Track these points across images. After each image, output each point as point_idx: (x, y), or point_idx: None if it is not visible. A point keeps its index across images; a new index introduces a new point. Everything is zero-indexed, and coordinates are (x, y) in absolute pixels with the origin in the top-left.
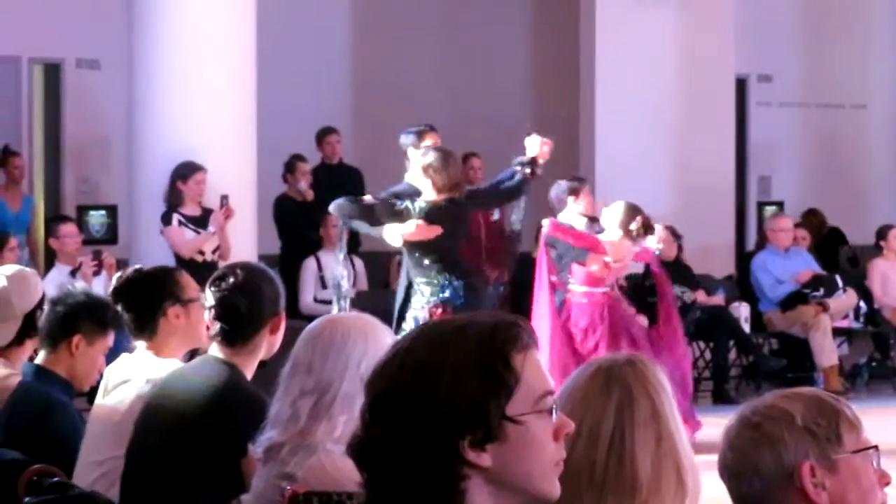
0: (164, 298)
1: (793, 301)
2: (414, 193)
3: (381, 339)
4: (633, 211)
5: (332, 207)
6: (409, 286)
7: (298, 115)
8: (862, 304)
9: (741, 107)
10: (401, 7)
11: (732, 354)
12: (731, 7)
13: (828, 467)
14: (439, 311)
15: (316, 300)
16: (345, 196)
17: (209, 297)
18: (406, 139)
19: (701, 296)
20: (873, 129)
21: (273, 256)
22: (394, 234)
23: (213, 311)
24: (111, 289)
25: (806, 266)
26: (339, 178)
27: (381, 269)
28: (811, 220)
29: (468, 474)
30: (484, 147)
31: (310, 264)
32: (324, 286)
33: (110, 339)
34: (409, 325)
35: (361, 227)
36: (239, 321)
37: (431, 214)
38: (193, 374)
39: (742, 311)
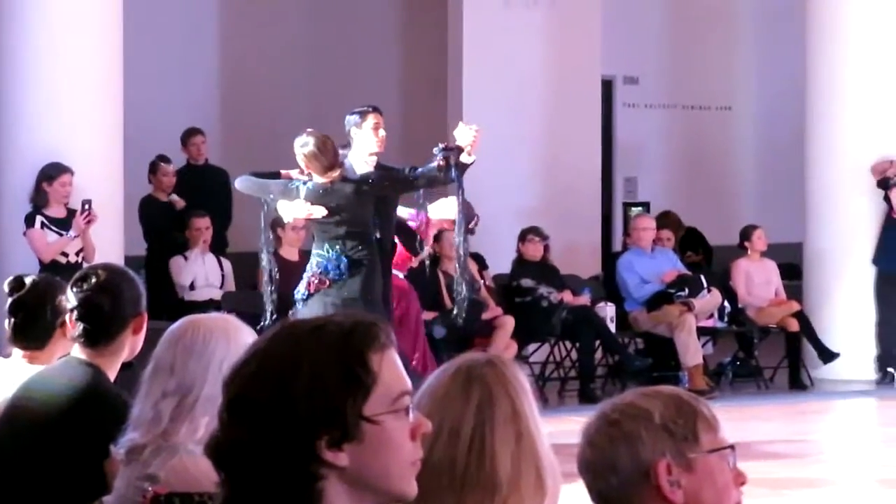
0: (63, 311)
1: (658, 301)
2: (350, 170)
3: (243, 340)
4: None
5: (237, 183)
6: None
7: (166, 114)
8: (726, 303)
9: (607, 108)
10: (269, 5)
11: (598, 354)
12: (598, 9)
13: (684, 466)
14: (316, 280)
15: (183, 302)
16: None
17: (71, 298)
18: (350, 119)
19: (567, 296)
20: (738, 130)
21: (140, 258)
22: (284, 212)
23: (75, 311)
24: (10, 299)
25: (671, 266)
26: (204, 179)
27: (249, 270)
28: (667, 220)
29: (325, 474)
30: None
31: (176, 263)
32: (192, 287)
33: None
34: (298, 293)
35: (268, 202)
36: (101, 321)
37: (313, 194)
38: (55, 375)
39: (608, 310)
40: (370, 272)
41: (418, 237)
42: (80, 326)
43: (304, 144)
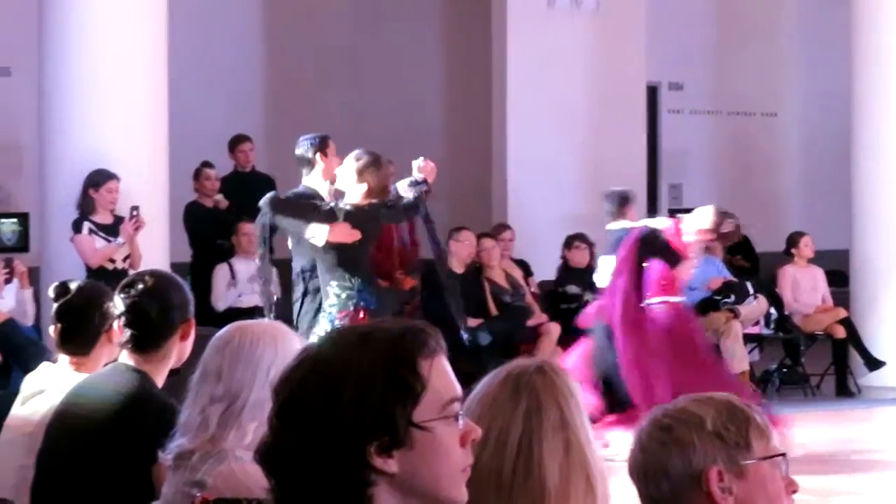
0: (109, 317)
1: (704, 308)
2: (313, 196)
3: (290, 346)
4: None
5: (262, 202)
6: (306, 293)
7: (210, 121)
8: (773, 310)
9: (652, 114)
10: (314, 11)
11: None
12: (643, 15)
13: (736, 473)
14: (361, 315)
15: (229, 308)
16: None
17: (118, 303)
18: (308, 146)
19: None
20: (783, 136)
21: (185, 264)
22: (319, 233)
23: (123, 318)
24: (56, 304)
25: (717, 273)
26: (251, 186)
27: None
28: None
29: (375, 480)
30: (396, 154)
31: (222, 270)
32: (235, 293)
33: None
34: (322, 329)
35: (288, 223)
36: (149, 327)
37: (355, 217)
38: (104, 381)
39: None
40: (389, 297)
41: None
42: (127, 332)
43: (359, 158)
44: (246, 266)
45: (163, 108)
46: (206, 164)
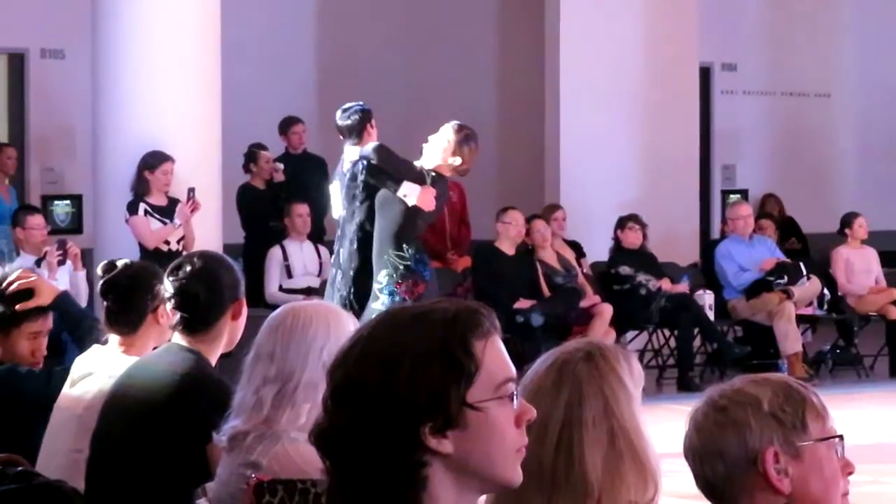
0: (157, 297)
1: (757, 289)
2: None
3: (343, 327)
4: None
5: (368, 149)
6: (363, 266)
7: (263, 103)
8: (826, 291)
9: (705, 95)
10: None
11: (697, 342)
12: None
13: (792, 454)
14: (417, 285)
15: (281, 289)
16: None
17: (168, 286)
18: (358, 118)
19: (665, 284)
20: (837, 117)
21: (238, 246)
22: (412, 192)
23: (172, 300)
24: (102, 280)
25: (770, 254)
26: (303, 168)
27: None
28: (769, 204)
29: (430, 461)
30: None
31: (275, 253)
32: (289, 275)
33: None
34: (381, 304)
35: (382, 176)
36: (199, 308)
37: (439, 186)
38: (158, 361)
39: (706, 298)
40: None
41: None
42: (177, 315)
43: (460, 130)
44: (299, 248)
45: (215, 90)
46: (259, 146)
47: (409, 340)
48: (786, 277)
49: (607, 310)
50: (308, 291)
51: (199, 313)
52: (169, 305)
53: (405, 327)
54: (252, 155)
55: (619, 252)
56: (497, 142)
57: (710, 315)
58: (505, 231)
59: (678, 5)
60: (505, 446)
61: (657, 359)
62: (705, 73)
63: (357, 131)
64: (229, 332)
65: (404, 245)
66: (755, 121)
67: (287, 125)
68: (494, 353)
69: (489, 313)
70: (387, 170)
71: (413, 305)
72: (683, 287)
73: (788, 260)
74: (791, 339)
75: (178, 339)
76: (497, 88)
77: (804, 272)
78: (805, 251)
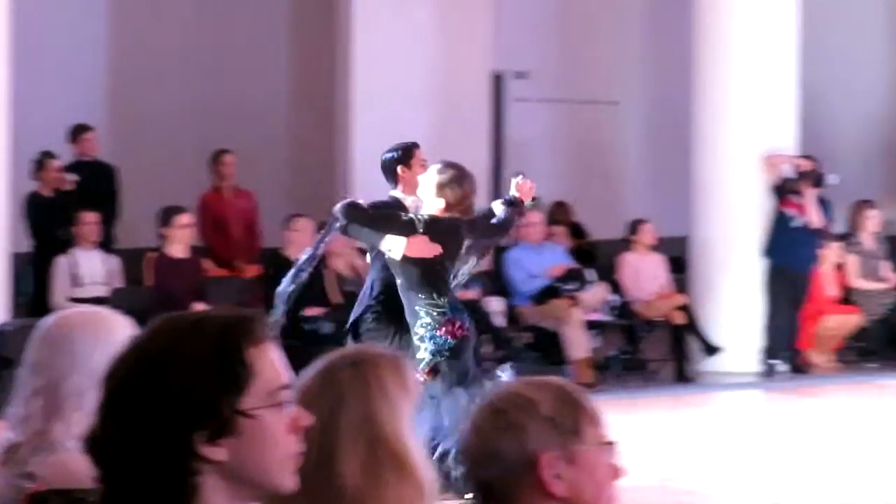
0: None
1: (545, 295)
2: (397, 207)
3: (112, 333)
4: None
5: (336, 209)
6: (370, 310)
7: (51, 110)
8: (613, 297)
9: (498, 103)
10: (157, 5)
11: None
12: (489, 4)
13: (567, 459)
14: (457, 326)
15: (72, 299)
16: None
17: None
18: (392, 158)
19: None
20: (626, 125)
21: (27, 255)
22: (396, 246)
23: None
24: None
25: (558, 260)
26: (94, 175)
27: (137, 267)
28: (559, 212)
29: (203, 469)
30: (239, 144)
31: (61, 262)
32: (78, 284)
33: None
34: (424, 354)
35: (361, 233)
36: None
37: (434, 230)
38: None
39: (496, 305)
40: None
41: None
42: None
43: (442, 172)
44: (87, 256)
45: (3, 97)
46: (48, 154)
47: (182, 348)
48: (573, 284)
49: None
50: (97, 301)
51: None
52: None
53: (179, 335)
54: (40, 163)
55: None
56: (288, 149)
57: (501, 321)
58: (295, 239)
59: (471, 14)
60: (279, 453)
61: None
62: (498, 81)
63: (391, 173)
64: None
65: (434, 294)
66: (546, 128)
67: (77, 132)
68: (268, 361)
69: (264, 321)
70: (364, 226)
71: (189, 312)
72: (474, 294)
73: (577, 266)
74: (578, 345)
75: None
76: (289, 96)
77: (592, 278)
78: (593, 257)
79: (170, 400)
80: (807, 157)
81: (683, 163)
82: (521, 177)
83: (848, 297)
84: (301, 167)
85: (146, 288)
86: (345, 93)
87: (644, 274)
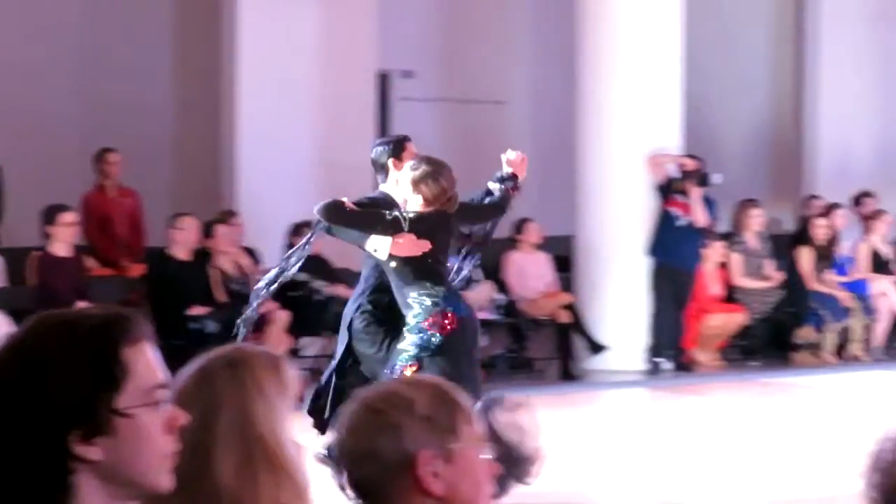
0: None
1: None
2: (386, 204)
3: None
4: None
5: (317, 209)
6: (360, 308)
7: None
8: (499, 296)
9: (384, 103)
10: (41, 3)
11: None
12: (374, 4)
13: (444, 457)
14: (448, 319)
15: None
16: None
17: None
18: (382, 150)
19: (341, 289)
20: (512, 124)
21: None
22: (381, 246)
23: None
24: None
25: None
26: None
27: (19, 266)
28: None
29: (78, 468)
30: (124, 143)
31: None
32: None
33: None
34: (409, 343)
35: (345, 233)
36: None
37: (420, 226)
38: None
39: None
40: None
41: None
42: None
43: (415, 168)
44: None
45: None
46: None
47: (57, 347)
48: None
49: (283, 316)
50: None
51: None
52: None
53: (54, 333)
54: None
55: None
56: (173, 148)
57: None
58: (179, 238)
59: (356, 14)
60: (154, 452)
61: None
62: (384, 81)
63: (381, 166)
64: None
65: (428, 284)
66: (433, 128)
67: None
68: (144, 360)
69: (141, 319)
70: (347, 226)
71: (65, 311)
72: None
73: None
74: None
75: None
76: (174, 95)
77: (478, 277)
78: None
79: (44, 399)
80: (691, 156)
81: (569, 162)
82: (510, 151)
83: (732, 296)
84: (186, 166)
85: (29, 287)
86: (230, 92)
87: (530, 273)
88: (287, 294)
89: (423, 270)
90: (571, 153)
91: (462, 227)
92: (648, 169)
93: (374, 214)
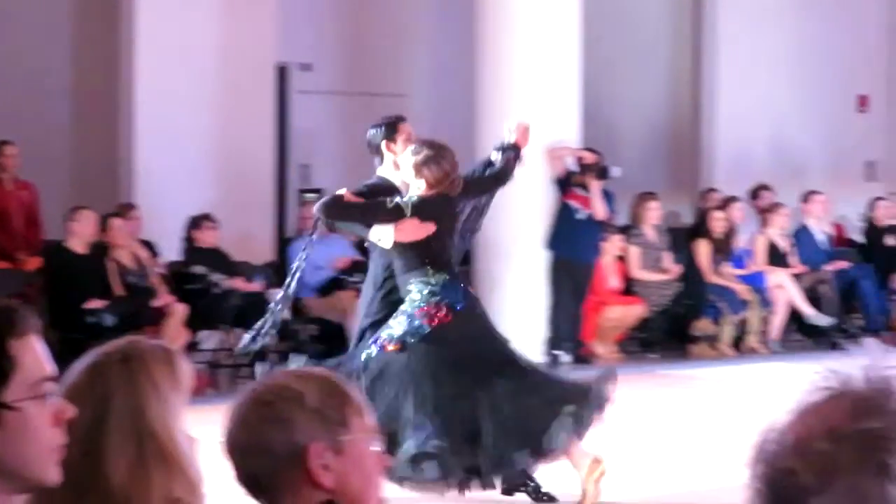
0: None
1: (331, 287)
2: (386, 188)
3: None
4: None
5: (317, 207)
6: (383, 285)
7: None
8: None
9: (283, 95)
10: None
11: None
12: None
13: (334, 449)
14: (442, 312)
15: None
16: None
17: None
18: (375, 133)
19: (239, 282)
20: (412, 118)
21: None
22: (385, 235)
23: None
24: None
25: (344, 252)
26: None
27: None
28: None
29: None
30: (21, 135)
31: None
32: None
33: None
34: (396, 324)
35: (348, 226)
36: None
37: (424, 210)
38: None
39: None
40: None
41: None
42: None
43: (416, 152)
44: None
45: None
46: None
47: None
48: (359, 276)
49: (181, 309)
50: None
51: None
52: None
53: None
54: None
55: (193, 251)
56: (71, 141)
57: (286, 313)
58: (77, 230)
59: (255, 6)
60: (41, 445)
61: (232, 357)
62: (283, 73)
63: (375, 149)
64: None
65: (430, 270)
66: (331, 121)
67: None
68: (31, 353)
69: (27, 312)
70: (349, 220)
71: None
72: (258, 285)
73: (362, 258)
74: None
75: None
76: (71, 87)
77: None
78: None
79: None
80: (590, 149)
81: (469, 155)
82: (513, 121)
83: (630, 289)
84: (84, 159)
85: None
86: (128, 84)
87: None
88: (185, 287)
89: (426, 254)
90: (472, 146)
91: (468, 203)
92: (547, 162)
93: (374, 204)
